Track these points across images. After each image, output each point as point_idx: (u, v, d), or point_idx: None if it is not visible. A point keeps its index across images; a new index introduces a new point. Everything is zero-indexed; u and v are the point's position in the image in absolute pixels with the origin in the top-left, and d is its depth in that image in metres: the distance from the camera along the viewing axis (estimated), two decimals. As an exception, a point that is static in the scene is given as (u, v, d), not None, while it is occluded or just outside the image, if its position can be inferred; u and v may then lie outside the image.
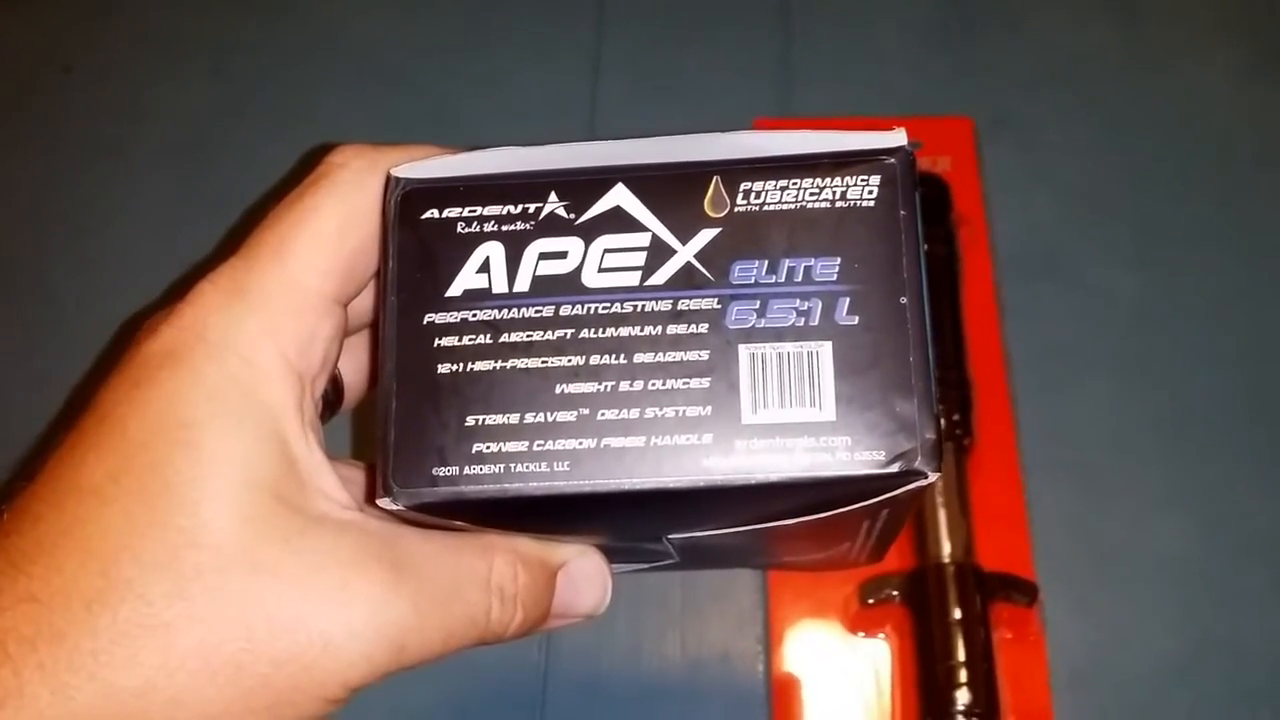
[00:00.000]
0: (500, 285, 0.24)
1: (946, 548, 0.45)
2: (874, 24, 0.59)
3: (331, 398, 0.29)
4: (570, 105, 0.58)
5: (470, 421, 0.23)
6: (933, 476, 0.23)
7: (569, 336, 0.24)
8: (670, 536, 0.28)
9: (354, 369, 0.30)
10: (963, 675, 0.43)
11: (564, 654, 0.47)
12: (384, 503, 0.23)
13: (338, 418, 0.31)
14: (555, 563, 0.28)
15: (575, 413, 0.23)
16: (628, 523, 0.26)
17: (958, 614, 0.44)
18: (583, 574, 0.29)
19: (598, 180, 0.24)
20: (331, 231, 0.25)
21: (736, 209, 0.24)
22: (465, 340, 0.24)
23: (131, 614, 0.22)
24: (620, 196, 0.24)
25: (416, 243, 0.24)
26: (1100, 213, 0.54)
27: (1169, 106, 0.57)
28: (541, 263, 0.24)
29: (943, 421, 0.47)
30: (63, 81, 0.60)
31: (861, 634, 0.47)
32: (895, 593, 0.46)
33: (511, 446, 0.23)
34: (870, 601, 0.46)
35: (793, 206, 0.24)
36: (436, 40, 0.60)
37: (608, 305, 0.24)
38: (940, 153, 0.54)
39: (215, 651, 0.22)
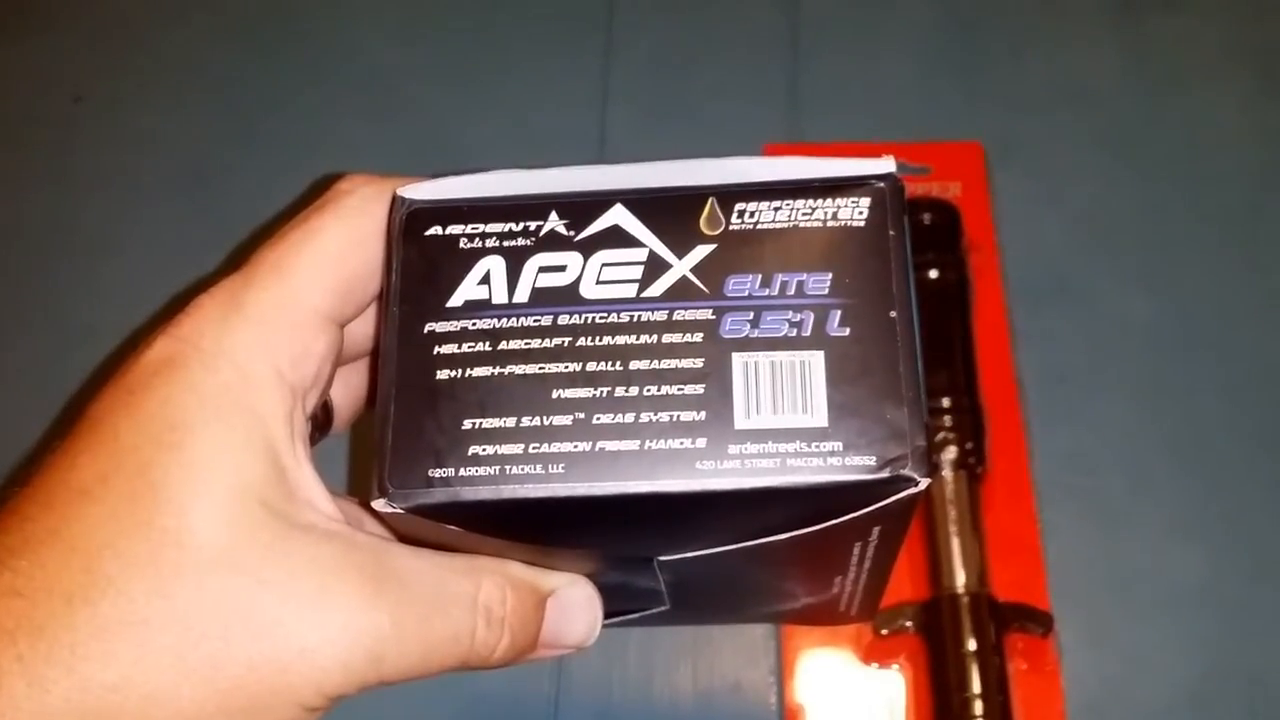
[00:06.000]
0: (500, 296, 0.25)
1: (960, 577, 0.45)
2: (882, 50, 0.60)
3: (321, 421, 0.30)
4: (579, 134, 0.58)
5: (467, 425, 0.24)
6: (923, 483, 0.23)
7: (566, 344, 0.24)
8: (662, 559, 0.28)
9: (346, 396, 0.31)
10: (978, 707, 0.43)
11: (575, 684, 0.48)
12: (379, 504, 0.24)
13: (335, 454, 0.30)
14: (545, 589, 0.28)
15: (571, 417, 0.24)
16: (620, 534, 0.27)
17: (972, 645, 0.44)
18: (573, 602, 0.29)
19: (597, 201, 0.25)
20: (332, 252, 0.26)
21: (731, 227, 0.25)
22: (464, 348, 0.24)
23: (111, 610, 0.22)
24: (619, 216, 0.25)
25: (420, 257, 0.25)
26: (1111, 237, 0.54)
27: (1178, 130, 0.57)
28: (541, 275, 0.25)
29: (955, 449, 0.46)
30: (73, 111, 0.61)
31: (875, 665, 0.47)
32: (909, 623, 0.45)
33: (507, 449, 0.24)
34: (884, 632, 0.46)
35: (786, 225, 0.25)
36: (446, 70, 0.61)
37: (605, 315, 0.24)
38: (950, 178, 0.54)
39: (192, 650, 0.23)
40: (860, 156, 0.26)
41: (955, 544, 0.46)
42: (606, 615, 0.30)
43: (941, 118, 0.58)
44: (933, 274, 0.49)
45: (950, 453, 0.47)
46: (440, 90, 0.60)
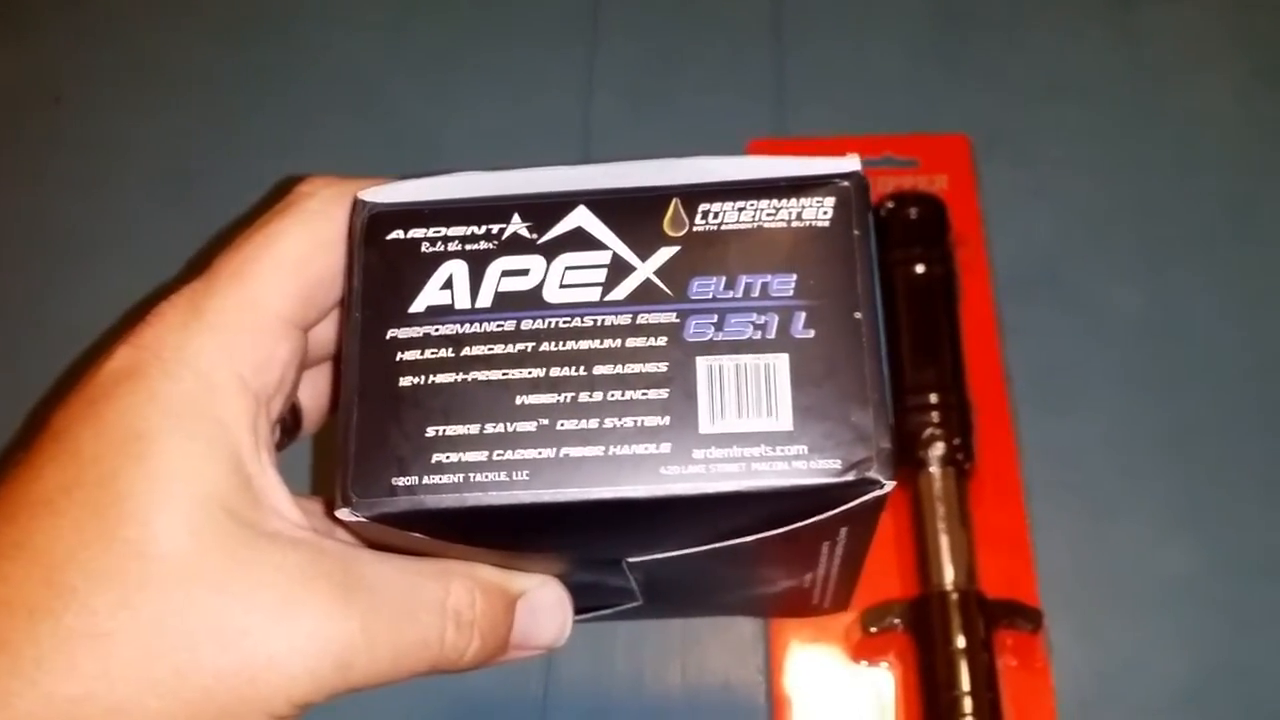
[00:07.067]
0: (463, 301, 0.25)
1: (949, 574, 0.45)
2: (868, 42, 0.59)
3: (290, 424, 0.30)
4: (564, 128, 0.58)
5: (431, 432, 0.24)
6: (888, 486, 0.23)
7: (530, 349, 0.24)
8: (631, 561, 0.28)
9: (313, 399, 0.31)
10: (967, 705, 0.43)
11: (563, 684, 0.48)
12: (343, 514, 0.24)
13: (299, 453, 0.30)
14: (515, 591, 0.28)
15: (535, 423, 0.24)
16: (587, 538, 0.27)
17: (961, 642, 0.44)
18: (543, 604, 0.29)
19: (560, 203, 0.25)
20: (294, 257, 0.26)
21: (695, 228, 0.25)
22: (427, 354, 0.24)
23: (75, 622, 0.22)
24: (581, 218, 0.25)
25: (381, 262, 0.25)
26: (1101, 229, 0.54)
27: (1169, 120, 0.57)
28: (504, 279, 0.25)
29: (943, 445, 0.46)
30: (53, 112, 0.61)
31: (864, 663, 0.47)
32: (898, 621, 0.45)
33: (471, 456, 0.24)
34: (873, 630, 0.45)
35: (750, 226, 0.25)
36: (429, 67, 0.61)
37: (568, 319, 0.24)
38: (937, 171, 0.54)
39: (157, 661, 0.23)
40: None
41: (944, 541, 0.46)
42: (578, 611, 0.30)
43: (928, 110, 0.57)
44: (919, 268, 0.49)
45: (938, 449, 0.46)
46: (423, 87, 0.60)
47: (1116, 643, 0.47)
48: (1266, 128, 0.56)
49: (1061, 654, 0.46)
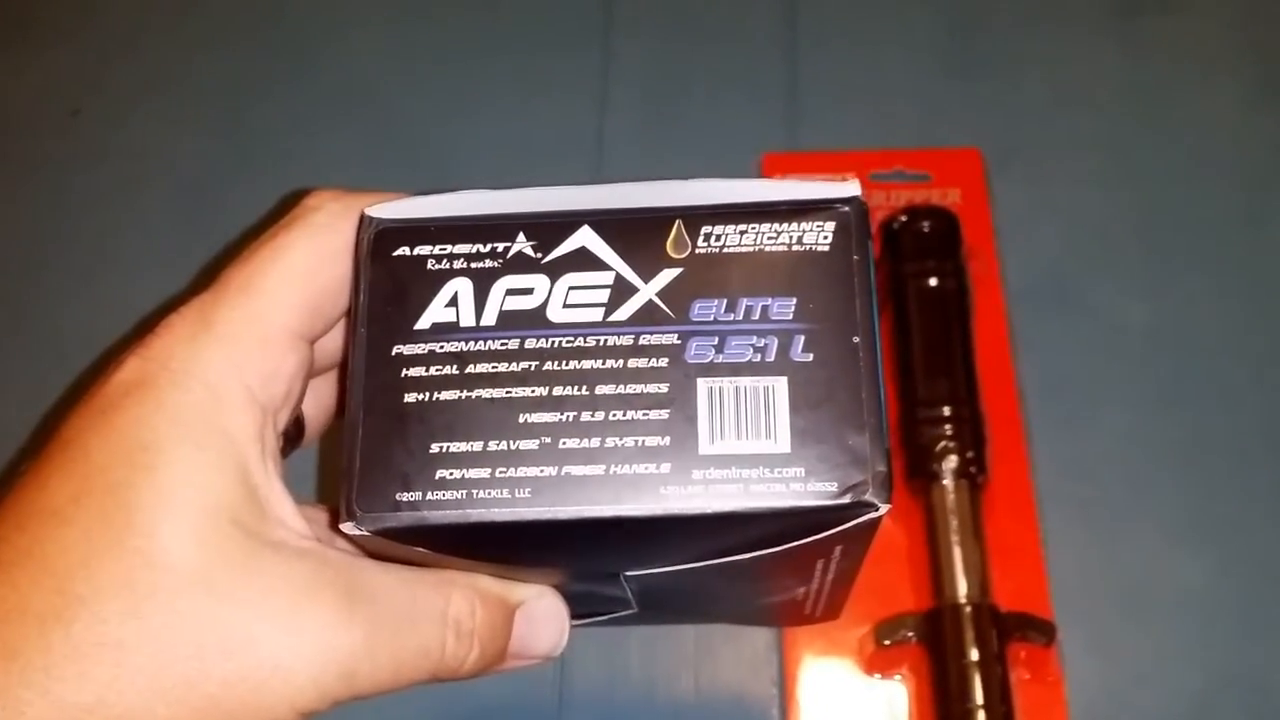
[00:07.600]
0: (468, 319, 0.25)
1: (962, 587, 0.45)
2: (881, 57, 0.60)
3: (293, 434, 0.30)
4: (575, 140, 0.59)
5: (435, 449, 0.24)
6: (883, 509, 0.24)
7: (533, 368, 0.25)
8: (628, 574, 0.28)
9: (317, 407, 0.31)
10: (981, 718, 0.43)
11: (577, 692, 0.48)
12: (347, 527, 0.24)
13: (304, 458, 0.30)
14: (514, 601, 0.29)
15: (537, 441, 0.24)
16: (587, 554, 0.27)
17: (975, 655, 0.44)
18: (541, 614, 0.29)
19: (564, 222, 0.26)
20: (301, 269, 0.26)
21: (697, 251, 0.25)
22: (432, 371, 0.25)
23: (85, 631, 0.23)
24: (586, 238, 0.25)
25: (387, 278, 0.25)
26: (1111, 243, 0.55)
27: (1178, 134, 0.57)
28: (508, 298, 0.25)
29: (956, 458, 0.46)
30: (71, 124, 0.61)
31: (878, 675, 0.47)
32: (911, 633, 0.46)
33: (475, 473, 0.24)
34: (886, 642, 0.45)
35: (751, 249, 0.25)
36: (443, 82, 0.61)
37: (571, 339, 0.25)
38: (949, 185, 0.54)
39: (166, 670, 0.23)
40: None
41: (957, 553, 0.46)
42: (573, 617, 0.30)
43: (940, 124, 0.58)
44: (932, 282, 0.49)
45: (951, 462, 0.46)
46: (437, 102, 0.60)
47: (1129, 655, 0.47)
48: (1273, 138, 0.56)
49: (1074, 667, 0.46)
